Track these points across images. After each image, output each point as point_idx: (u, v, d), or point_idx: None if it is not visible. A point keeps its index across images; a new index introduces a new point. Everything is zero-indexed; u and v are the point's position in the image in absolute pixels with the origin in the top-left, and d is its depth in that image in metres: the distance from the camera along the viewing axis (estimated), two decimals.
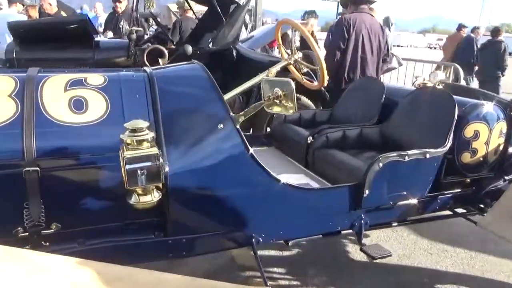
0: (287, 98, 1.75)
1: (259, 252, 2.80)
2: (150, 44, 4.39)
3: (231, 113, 1.75)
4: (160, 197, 1.53)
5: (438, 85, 2.49)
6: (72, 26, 4.16)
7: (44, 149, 1.51)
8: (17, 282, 0.95)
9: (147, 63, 4.09)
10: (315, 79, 4.75)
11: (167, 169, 1.60)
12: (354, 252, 2.83)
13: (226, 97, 2.34)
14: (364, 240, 2.07)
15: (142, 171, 1.41)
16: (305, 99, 4.54)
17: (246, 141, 1.74)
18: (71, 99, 1.62)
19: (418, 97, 2.50)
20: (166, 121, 1.69)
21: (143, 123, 1.44)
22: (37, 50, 4.07)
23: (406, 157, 2.02)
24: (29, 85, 1.60)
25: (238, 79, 3.85)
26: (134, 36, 4.16)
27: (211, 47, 4.41)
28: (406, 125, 2.44)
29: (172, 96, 1.76)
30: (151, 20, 6.71)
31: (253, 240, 1.81)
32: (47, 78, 1.66)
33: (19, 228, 1.52)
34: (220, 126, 1.72)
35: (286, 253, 2.84)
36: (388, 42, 4.28)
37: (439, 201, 2.28)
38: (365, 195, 1.97)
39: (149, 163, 1.41)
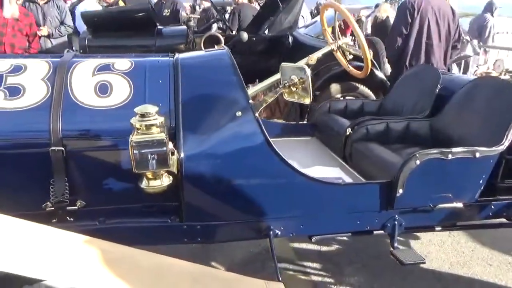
0: (303, 85, 1.64)
1: (295, 245, 2.77)
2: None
3: (251, 101, 1.70)
4: (170, 182, 1.54)
5: (504, 74, 2.17)
6: (138, 15, 4.37)
7: (69, 130, 1.60)
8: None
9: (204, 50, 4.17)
10: (377, 67, 4.49)
11: (182, 154, 1.60)
12: None
13: (261, 85, 2.29)
14: (397, 244, 1.90)
15: (149, 156, 1.42)
16: (364, 89, 4.30)
17: (265, 130, 1.68)
18: (98, 84, 1.69)
19: (477, 88, 2.21)
20: (186, 106, 1.69)
21: (152, 108, 1.45)
22: (106, 38, 4.35)
23: (450, 155, 1.80)
24: (60, 69, 1.69)
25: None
26: (191, 23, 4.26)
27: (266, 33, 4.35)
28: (460, 120, 2.18)
29: (193, 82, 1.75)
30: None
31: (271, 232, 1.76)
32: (78, 63, 1.75)
33: (47, 203, 1.63)
34: (238, 113, 1.68)
35: (324, 248, 2.74)
36: (461, 28, 3.86)
37: (493, 207, 2.01)
38: (398, 195, 1.80)
39: (155, 148, 1.42)
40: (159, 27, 4.53)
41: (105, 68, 1.74)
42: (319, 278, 2.47)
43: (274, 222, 1.77)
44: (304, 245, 2.72)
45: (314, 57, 2.44)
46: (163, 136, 1.43)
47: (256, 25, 4.76)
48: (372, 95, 4.31)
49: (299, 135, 2.79)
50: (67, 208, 1.64)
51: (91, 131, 1.63)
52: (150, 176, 1.49)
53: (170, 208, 1.73)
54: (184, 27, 4.35)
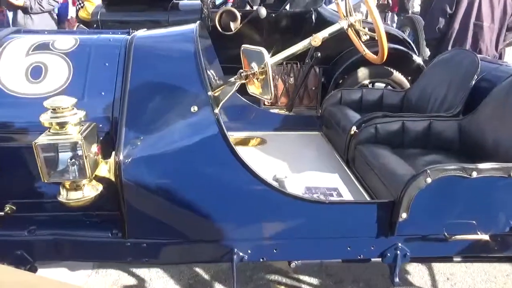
0: (263, 77, 1.25)
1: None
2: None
3: (211, 93, 1.34)
4: (98, 192, 1.24)
5: None
6: None
7: None
8: None
9: (218, 27, 3.81)
10: (415, 51, 3.92)
11: (121, 157, 1.29)
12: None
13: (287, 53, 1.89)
14: (398, 279, 1.50)
15: (60, 163, 1.12)
16: (397, 75, 3.78)
17: (226, 130, 1.32)
18: (30, 66, 1.41)
19: None
20: (133, 96, 1.37)
21: (67, 101, 1.14)
22: (120, 12, 4.12)
23: (474, 173, 1.36)
24: None
25: (320, 48, 3.37)
26: None
27: (288, 9, 3.89)
28: (498, 122, 1.69)
29: (146, 66, 1.42)
30: None
31: (234, 256, 1.42)
32: (12, 40, 1.46)
33: None
34: (194, 108, 1.33)
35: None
36: None
37: None
38: (401, 219, 1.39)
39: (67, 153, 1.11)
40: (174, 1, 4.22)
41: (43, 47, 1.45)
42: None
43: (238, 243, 1.43)
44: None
45: (319, 37, 2.00)
46: (77, 137, 1.12)
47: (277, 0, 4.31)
48: (406, 83, 3.78)
49: (306, 129, 2.40)
50: None
51: (17, 124, 1.35)
52: (68, 186, 1.19)
53: (114, 220, 1.43)
54: (198, 1, 3.99)
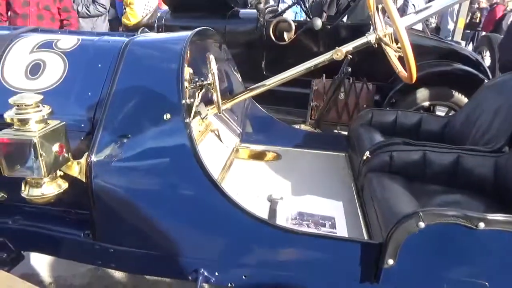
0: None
1: None
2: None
3: (184, 101, 1.27)
4: (61, 190, 1.24)
5: None
6: None
7: None
8: None
9: (273, 36, 3.75)
10: (486, 71, 3.47)
11: (93, 157, 1.28)
12: None
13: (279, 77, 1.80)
14: None
15: (17, 159, 1.13)
16: (461, 97, 3.38)
17: (195, 143, 1.24)
18: (31, 63, 1.46)
19: None
20: (114, 99, 1.35)
21: (31, 98, 1.15)
22: (183, 18, 4.26)
23: (481, 224, 1.10)
24: (1, 43, 1.51)
25: (376, 63, 3.16)
26: (261, 5, 3.85)
27: (345, 21, 3.70)
28: None
29: (133, 70, 1.40)
30: None
31: (200, 277, 1.32)
32: (23, 38, 1.54)
33: None
34: (167, 116, 1.27)
35: None
36: None
37: None
38: (386, 266, 1.18)
39: (24, 150, 1.12)
40: (235, 9, 4.26)
41: (46, 46, 1.50)
42: None
43: (205, 263, 1.34)
44: None
45: (342, 51, 1.83)
46: (32, 135, 1.12)
47: (333, 12, 4.13)
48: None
49: (330, 149, 2.22)
50: None
51: None
52: (28, 182, 1.21)
53: (88, 220, 1.42)
54: (255, 10, 3.97)
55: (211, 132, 2.04)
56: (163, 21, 4.30)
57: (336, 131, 3.72)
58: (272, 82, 1.88)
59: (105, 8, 4.25)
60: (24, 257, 1.59)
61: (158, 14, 4.60)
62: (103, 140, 1.30)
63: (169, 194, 1.29)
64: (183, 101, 1.26)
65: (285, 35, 3.77)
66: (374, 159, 1.63)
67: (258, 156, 2.14)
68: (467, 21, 8.42)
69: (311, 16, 4.26)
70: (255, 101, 2.30)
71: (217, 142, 2.04)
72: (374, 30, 1.82)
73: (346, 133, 3.51)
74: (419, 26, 4.21)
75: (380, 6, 1.85)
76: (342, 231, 1.46)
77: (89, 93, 1.40)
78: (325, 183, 1.84)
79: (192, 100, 1.32)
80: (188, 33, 1.46)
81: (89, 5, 4.42)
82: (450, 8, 7.37)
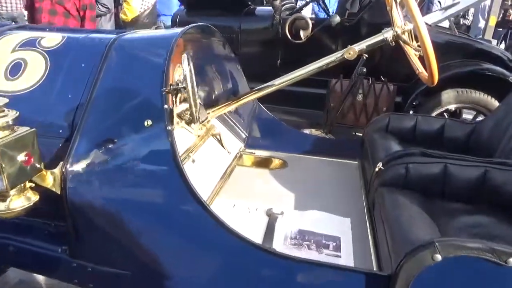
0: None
1: None
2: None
3: (167, 106, 1.12)
4: (31, 204, 1.11)
5: None
6: None
7: None
8: None
9: (288, 34, 3.59)
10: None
11: (69, 167, 1.16)
12: None
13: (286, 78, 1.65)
14: None
15: None
16: (490, 100, 3.12)
17: (178, 153, 1.09)
18: (12, 62, 1.36)
19: None
20: (95, 103, 1.23)
21: None
22: (197, 16, 4.14)
23: (511, 260, 0.91)
24: None
25: (397, 62, 2.96)
26: (277, 2, 3.68)
27: (365, 18, 3.49)
28: None
29: (117, 71, 1.27)
30: None
31: None
32: (5, 35, 1.44)
33: None
34: (148, 122, 1.13)
35: None
36: None
37: None
38: None
39: None
40: (251, 7, 4.11)
41: (29, 44, 1.39)
42: None
43: (187, 285, 1.19)
44: None
45: (355, 49, 1.65)
46: None
47: (356, 9, 3.91)
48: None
49: (342, 156, 2.04)
50: None
51: None
52: None
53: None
54: (270, 7, 3.80)
55: (212, 137, 1.90)
56: (177, 19, 4.20)
57: (354, 133, 3.52)
58: (280, 82, 1.72)
59: (108, 8, 4.13)
60: (7, 269, 1.50)
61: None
62: (80, 148, 1.18)
63: (150, 209, 1.15)
64: (166, 106, 1.12)
65: (302, 33, 3.59)
66: (387, 171, 1.44)
67: (263, 163, 1.98)
68: (499, 18, 7.98)
69: (330, 14, 4.08)
70: (267, 102, 2.14)
71: (218, 147, 1.89)
72: (391, 26, 1.63)
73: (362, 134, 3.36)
74: (446, 24, 3.95)
75: (399, 0, 1.66)
76: (347, 255, 1.28)
77: (70, 96, 1.28)
78: (333, 195, 1.67)
79: (174, 105, 1.18)
80: (178, 31, 1.32)
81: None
82: (481, 5, 6.99)
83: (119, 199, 1.16)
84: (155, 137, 1.12)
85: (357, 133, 3.44)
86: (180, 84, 1.07)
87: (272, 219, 1.45)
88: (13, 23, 5.27)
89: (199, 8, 4.13)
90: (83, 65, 1.32)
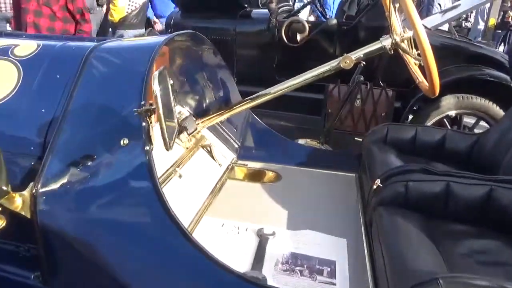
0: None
1: None
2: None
3: (146, 124, 1.03)
4: None
5: None
6: None
7: None
8: None
9: (284, 38, 3.50)
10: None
11: (40, 188, 1.07)
12: None
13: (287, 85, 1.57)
14: None
15: None
16: (493, 107, 3.04)
17: (156, 176, 1.00)
18: None
19: None
20: (69, 118, 1.13)
21: None
22: (192, 19, 4.05)
23: None
24: None
25: (396, 67, 2.88)
26: (273, 5, 3.59)
27: (363, 21, 3.40)
28: None
29: (94, 83, 1.17)
30: None
31: None
32: None
33: None
34: (124, 141, 1.04)
35: None
36: None
37: None
38: None
39: None
40: (247, 9, 4.01)
41: (2, 52, 1.30)
42: None
43: None
44: None
45: (351, 58, 1.56)
46: None
47: (354, 11, 3.83)
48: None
49: (339, 168, 1.95)
50: None
51: None
52: None
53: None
54: (266, 10, 3.71)
55: (202, 148, 1.81)
56: (172, 21, 4.11)
57: (353, 138, 3.42)
58: (275, 91, 1.64)
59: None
60: None
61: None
62: (52, 168, 1.09)
63: (127, 235, 1.06)
64: (144, 124, 1.02)
65: (298, 36, 3.51)
66: (386, 189, 1.35)
67: (256, 176, 1.89)
68: (499, 20, 7.92)
69: (327, 16, 3.98)
70: (261, 107, 2.05)
71: (208, 160, 1.80)
72: (390, 33, 1.54)
73: (361, 140, 3.26)
74: (445, 27, 3.86)
75: (397, 5, 1.57)
76: (342, 281, 1.19)
77: (43, 110, 1.19)
78: (329, 213, 1.57)
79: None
80: (161, 39, 1.22)
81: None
82: (481, 7, 6.92)
83: (94, 223, 1.07)
84: (131, 158, 1.02)
85: (356, 138, 3.35)
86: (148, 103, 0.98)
87: (263, 240, 1.35)
88: (8, 24, 5.17)
89: (194, 10, 4.04)
90: (58, 76, 1.22)
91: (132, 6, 4.64)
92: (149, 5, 5.22)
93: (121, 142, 1.04)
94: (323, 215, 1.55)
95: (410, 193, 1.31)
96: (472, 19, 7.40)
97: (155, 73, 0.93)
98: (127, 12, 4.61)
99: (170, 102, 1.07)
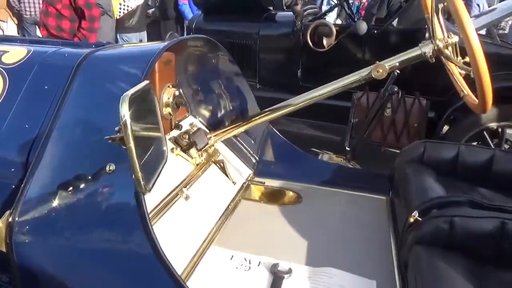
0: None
1: None
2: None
3: (131, 145, 0.86)
4: None
5: None
6: None
7: None
8: None
9: (310, 42, 3.30)
10: None
11: (16, 217, 0.92)
12: None
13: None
14: None
15: None
16: None
17: (146, 211, 0.83)
18: None
19: None
20: (55, 137, 0.98)
21: None
22: (214, 22, 3.93)
23: None
24: None
25: (431, 73, 2.66)
26: (298, 7, 3.40)
27: (394, 25, 3.15)
28: None
29: (83, 96, 1.02)
30: None
31: None
32: None
33: None
34: (110, 168, 0.88)
35: None
36: None
37: None
38: None
39: None
40: (271, 12, 3.84)
41: None
42: None
43: None
44: None
45: (385, 67, 1.35)
46: None
47: (383, 14, 3.58)
48: None
49: (367, 189, 1.73)
50: None
51: None
52: None
53: None
54: (291, 12, 3.51)
55: (214, 164, 1.63)
56: (194, 25, 3.98)
57: (383, 151, 3.16)
58: (297, 102, 1.48)
59: (103, 9, 3.89)
60: None
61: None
62: (32, 193, 0.94)
63: (112, 274, 0.89)
64: (131, 145, 0.85)
65: (325, 40, 3.30)
66: (425, 224, 1.13)
67: (274, 196, 1.70)
68: None
69: (355, 19, 3.75)
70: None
71: (221, 177, 1.63)
72: (431, 38, 1.33)
73: (393, 150, 3.00)
74: (482, 31, 3.55)
75: (441, 6, 1.35)
76: None
77: (27, 125, 1.04)
78: (355, 246, 1.37)
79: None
80: (161, 46, 1.06)
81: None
82: None
83: (75, 259, 0.91)
84: (118, 187, 0.86)
85: (386, 148, 3.09)
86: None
87: (277, 279, 1.16)
88: (37, 27, 5.20)
89: (216, 13, 3.91)
90: (46, 87, 1.08)
91: (123, 9, 4.57)
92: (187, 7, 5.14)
93: (107, 168, 0.87)
94: (348, 248, 1.35)
95: (456, 231, 1.09)
96: (505, 25, 6.93)
97: (124, 95, 0.75)
98: (119, 15, 4.54)
99: (158, 123, 0.89)
